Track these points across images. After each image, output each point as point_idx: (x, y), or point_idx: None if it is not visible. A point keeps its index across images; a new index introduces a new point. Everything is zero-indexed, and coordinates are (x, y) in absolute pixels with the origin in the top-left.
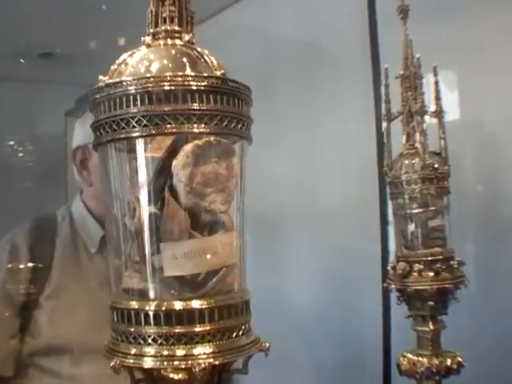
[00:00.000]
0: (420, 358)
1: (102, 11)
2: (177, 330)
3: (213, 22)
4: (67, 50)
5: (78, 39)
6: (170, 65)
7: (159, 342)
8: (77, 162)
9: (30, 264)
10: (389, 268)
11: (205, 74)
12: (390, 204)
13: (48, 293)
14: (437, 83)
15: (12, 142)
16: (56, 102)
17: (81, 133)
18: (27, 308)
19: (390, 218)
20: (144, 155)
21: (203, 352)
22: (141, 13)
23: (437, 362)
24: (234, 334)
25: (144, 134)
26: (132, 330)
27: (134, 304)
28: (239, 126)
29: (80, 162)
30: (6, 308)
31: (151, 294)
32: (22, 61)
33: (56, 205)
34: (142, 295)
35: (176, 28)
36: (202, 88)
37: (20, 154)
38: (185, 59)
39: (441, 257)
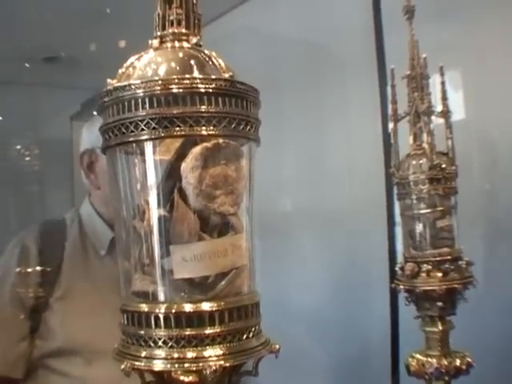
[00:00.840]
0: (429, 359)
1: (106, 15)
2: (187, 333)
3: (217, 24)
4: (71, 54)
5: (82, 43)
6: (178, 67)
7: (169, 344)
8: (84, 166)
9: (40, 266)
10: (397, 269)
11: (213, 77)
12: (397, 204)
13: (58, 295)
14: (443, 83)
15: (19, 146)
16: (61, 106)
17: (88, 136)
18: (37, 310)
19: (397, 218)
20: (153, 158)
21: (214, 354)
22: (145, 16)
23: (446, 363)
24: (245, 336)
25: (153, 136)
26: (142, 332)
27: (144, 307)
28: (248, 128)
29: (87, 166)
30: (17, 310)
31: (161, 297)
32: (27, 65)
33: (62, 208)
34: (152, 298)
35: (183, 31)
36: (211, 90)
37: (27, 158)
38: (192, 62)
39: (449, 257)
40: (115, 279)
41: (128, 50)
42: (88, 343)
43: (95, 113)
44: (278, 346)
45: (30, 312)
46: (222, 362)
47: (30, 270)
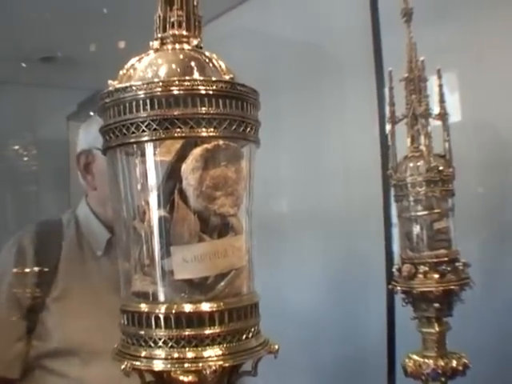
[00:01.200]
0: (426, 360)
1: (103, 15)
2: (187, 333)
3: (214, 25)
4: (68, 54)
5: (78, 43)
6: (179, 69)
7: (170, 344)
8: (81, 167)
9: (37, 267)
10: (394, 270)
11: (213, 79)
12: (394, 206)
13: (55, 295)
14: (441, 86)
15: (16, 147)
16: (57, 106)
17: (85, 137)
18: (34, 310)
19: (394, 220)
20: (153, 159)
21: (213, 354)
22: (142, 17)
23: (442, 364)
24: (244, 337)
25: (154, 137)
26: (142, 332)
27: (144, 307)
28: (248, 129)
29: (84, 167)
30: (13, 310)
31: (161, 297)
32: (23, 65)
33: (59, 209)
34: (152, 298)
35: (184, 33)
36: (211, 92)
37: (24, 159)
38: (193, 63)
39: (446, 258)
40: (112, 280)
41: (125, 50)
42: (85, 343)
43: (92, 113)
44: (276, 347)
45: (27, 312)
46: (221, 362)
47: (26, 270)
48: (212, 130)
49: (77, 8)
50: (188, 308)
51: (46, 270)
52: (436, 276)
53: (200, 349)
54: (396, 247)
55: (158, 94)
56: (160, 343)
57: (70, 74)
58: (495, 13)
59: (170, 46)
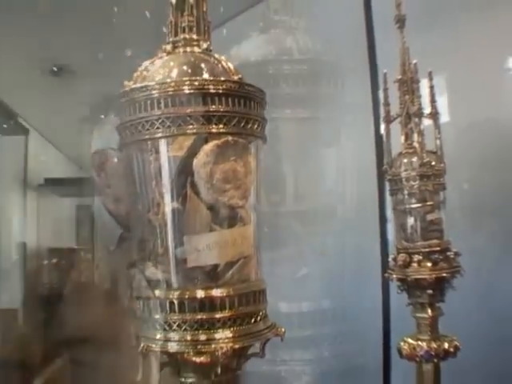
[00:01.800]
0: (420, 343)
1: (103, 28)
2: (199, 317)
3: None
4: (67, 64)
5: (79, 53)
6: (190, 70)
7: (183, 327)
8: (95, 165)
9: (53, 260)
10: (390, 259)
11: (222, 79)
12: (389, 200)
13: (71, 288)
14: (432, 87)
15: None
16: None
17: (99, 137)
18: (51, 301)
19: (389, 215)
20: (167, 155)
21: (224, 336)
22: (143, 29)
23: (435, 346)
24: (253, 320)
25: (167, 134)
26: (157, 317)
27: (159, 293)
28: (255, 126)
29: (98, 165)
30: (31, 301)
31: (175, 284)
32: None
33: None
34: (166, 285)
35: (194, 37)
36: (221, 91)
37: None
38: (203, 65)
39: (438, 248)
40: (124, 273)
41: (127, 59)
42: (99, 333)
43: (103, 116)
44: (283, 329)
45: (45, 303)
46: (232, 344)
47: (43, 263)
48: (222, 126)
49: (79, 19)
50: (200, 294)
51: (63, 263)
52: (429, 264)
53: (212, 331)
54: (391, 239)
55: (171, 93)
56: (174, 327)
57: (75, 83)
58: (481, 20)
59: (181, 49)
